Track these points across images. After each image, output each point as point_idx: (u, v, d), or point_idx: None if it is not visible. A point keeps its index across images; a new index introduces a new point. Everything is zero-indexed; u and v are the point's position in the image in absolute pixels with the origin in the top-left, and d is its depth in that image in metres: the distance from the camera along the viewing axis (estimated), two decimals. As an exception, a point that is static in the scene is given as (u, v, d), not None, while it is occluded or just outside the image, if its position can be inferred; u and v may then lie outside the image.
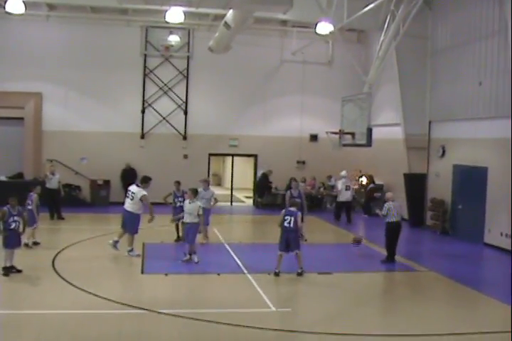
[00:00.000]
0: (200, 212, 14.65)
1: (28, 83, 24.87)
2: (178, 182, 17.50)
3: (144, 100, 26.30)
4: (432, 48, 22.10)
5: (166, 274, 13.52)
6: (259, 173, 27.22)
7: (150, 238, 17.36)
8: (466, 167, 19.83)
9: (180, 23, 22.13)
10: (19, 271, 13.04)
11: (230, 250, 16.64)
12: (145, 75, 26.28)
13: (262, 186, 26.86)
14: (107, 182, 25.41)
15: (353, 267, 15.36)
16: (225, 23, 19.73)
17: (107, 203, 24.98)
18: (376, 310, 11.90)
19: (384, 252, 15.92)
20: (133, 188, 15.51)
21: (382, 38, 19.46)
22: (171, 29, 25.81)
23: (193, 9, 21.07)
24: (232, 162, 28.58)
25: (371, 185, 24.96)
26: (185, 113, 26.62)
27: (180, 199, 16.95)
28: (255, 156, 27.76)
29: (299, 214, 13.86)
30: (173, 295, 12.35)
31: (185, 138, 26.65)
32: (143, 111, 26.30)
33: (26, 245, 15.63)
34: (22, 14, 20.99)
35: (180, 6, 19.62)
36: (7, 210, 12.84)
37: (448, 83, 21.03)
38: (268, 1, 17.57)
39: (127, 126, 26.11)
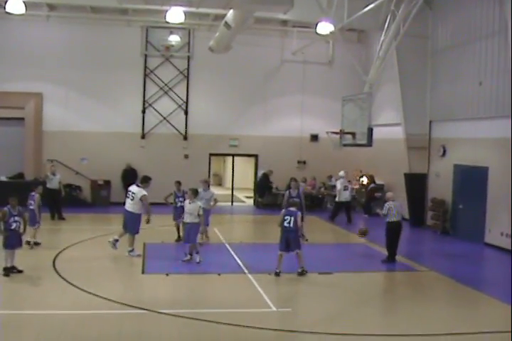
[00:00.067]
0: (201, 212, 14.65)
1: (28, 83, 24.88)
2: (178, 183, 17.52)
3: (144, 100, 26.30)
4: (433, 48, 22.10)
5: (167, 274, 13.52)
6: (260, 173, 27.22)
7: (151, 238, 17.37)
8: (467, 167, 19.83)
9: (181, 23, 22.14)
10: (20, 272, 13.05)
11: (230, 250, 16.64)
12: (145, 75, 26.29)
13: (263, 186, 26.86)
14: (107, 183, 25.42)
15: (353, 267, 15.36)
16: (226, 23, 19.73)
17: (108, 203, 24.99)
18: (377, 310, 11.90)
19: (385, 252, 15.92)
20: (133, 188, 15.51)
21: (382, 38, 19.46)
22: (172, 29, 25.81)
23: (193, 9, 21.08)
24: (233, 162, 28.59)
25: (372, 185, 24.90)
26: (186, 113, 26.63)
27: (181, 199, 16.97)
28: (256, 156, 27.76)
29: (299, 214, 13.87)
30: (174, 295, 12.36)
31: (185, 138, 26.65)
32: (143, 111, 26.31)
33: (28, 243, 15.68)
34: (22, 14, 21.01)
35: (181, 6, 19.63)
36: (7, 210, 12.84)
37: (448, 83, 21.03)
38: (268, 1, 17.56)
39: (128, 126, 26.12)
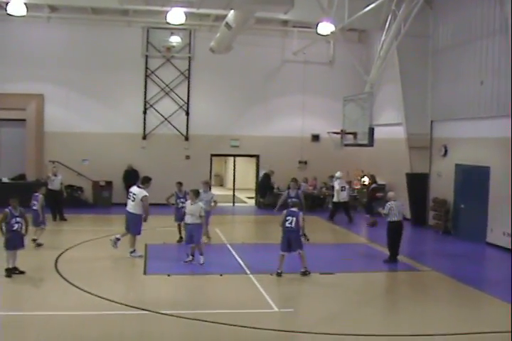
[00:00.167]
0: (202, 213, 14.63)
1: (29, 85, 24.91)
2: (180, 183, 17.53)
3: (145, 101, 26.31)
4: (433, 47, 22.08)
5: (169, 275, 13.52)
6: (261, 174, 27.22)
7: (152, 239, 17.36)
8: (468, 166, 19.81)
9: (182, 24, 22.09)
10: (22, 273, 13.05)
11: (232, 250, 16.64)
12: (146, 76, 26.31)
13: (264, 186, 26.85)
14: (109, 183, 25.43)
15: (355, 267, 15.37)
16: (226, 23, 19.74)
17: (110, 204, 25.01)
18: (378, 310, 11.89)
19: (386, 252, 15.91)
20: (134, 189, 15.51)
21: (383, 38, 19.46)
22: (172, 30, 25.81)
23: (194, 10, 21.05)
24: (234, 162, 28.59)
25: (373, 185, 24.85)
26: (187, 113, 26.64)
27: (182, 200, 16.97)
28: (257, 157, 27.77)
29: (301, 214, 13.87)
30: (176, 295, 12.36)
31: (187, 138, 26.67)
32: (144, 112, 26.32)
33: (34, 240, 15.94)
34: (23, 16, 21.02)
35: (182, 6, 19.62)
36: (9, 211, 12.85)
37: (449, 82, 21.01)
38: (269, 2, 17.57)
39: (129, 127, 26.14)
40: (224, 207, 26.13)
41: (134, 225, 15.37)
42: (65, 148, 25.35)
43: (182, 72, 26.51)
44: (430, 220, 21.97)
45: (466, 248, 18.45)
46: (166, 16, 20.29)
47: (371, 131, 18.80)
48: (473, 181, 19.58)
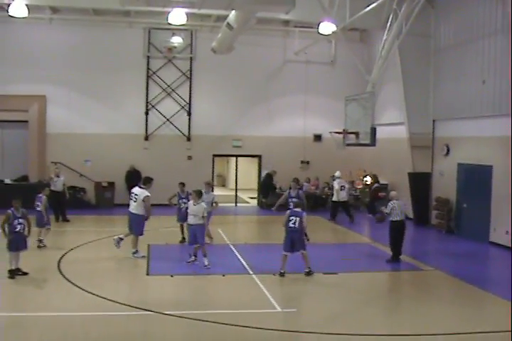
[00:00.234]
0: (205, 214, 14.61)
1: (31, 86, 24.93)
2: (182, 184, 17.51)
3: (147, 102, 26.33)
4: (435, 47, 22.06)
5: (171, 275, 13.53)
6: (264, 174, 27.22)
7: (155, 239, 17.37)
8: (471, 165, 19.79)
9: (183, 25, 22.12)
10: (25, 274, 13.06)
11: (235, 251, 16.65)
12: (148, 77, 26.32)
13: (267, 186, 26.84)
14: (111, 184, 25.45)
15: (358, 267, 15.33)
16: (228, 23, 19.75)
17: (112, 205, 25.04)
18: (382, 310, 11.87)
19: (389, 251, 15.90)
20: (136, 190, 15.52)
21: (385, 37, 19.47)
22: (174, 30, 25.81)
23: (195, 10, 21.10)
24: (236, 163, 28.59)
25: (375, 185, 24.91)
26: (189, 114, 26.65)
27: (184, 200, 16.94)
28: (259, 157, 27.77)
29: (305, 214, 13.88)
30: (179, 296, 12.36)
31: (189, 139, 26.68)
32: (146, 113, 26.34)
33: (40, 241, 16.13)
34: (25, 17, 21.05)
35: (183, 7, 19.65)
36: (11, 213, 12.86)
37: (451, 82, 20.99)
38: (270, 2, 17.58)
39: (131, 128, 26.15)
40: (226, 208, 26.16)
41: (136, 226, 15.38)
42: (68, 149, 25.38)
43: (184, 72, 26.53)
44: (433, 219, 21.95)
45: (469, 247, 18.43)
46: (167, 17, 20.36)
47: (373, 130, 18.81)
48: (476, 180, 19.56)
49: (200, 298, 12.37)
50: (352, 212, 23.27)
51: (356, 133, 19.93)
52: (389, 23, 19.39)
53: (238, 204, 28.08)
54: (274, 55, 27.03)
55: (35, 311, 10.76)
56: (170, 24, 21.64)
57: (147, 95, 26.32)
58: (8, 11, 20.47)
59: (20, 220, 12.92)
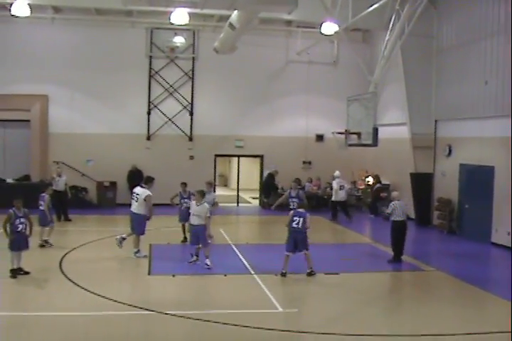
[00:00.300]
0: (208, 214, 14.58)
1: (33, 85, 24.93)
2: (184, 184, 17.50)
3: (149, 101, 26.34)
4: (438, 47, 22.05)
5: (173, 275, 13.54)
6: (266, 174, 27.22)
7: (156, 239, 17.39)
8: (473, 166, 19.78)
9: (185, 24, 22.12)
10: (27, 273, 13.07)
11: (236, 251, 16.65)
12: (150, 77, 26.33)
13: (269, 187, 26.84)
14: (113, 184, 25.46)
15: (359, 267, 15.33)
16: (230, 23, 19.75)
17: (114, 205, 25.04)
18: (383, 310, 11.86)
19: (390, 252, 15.89)
20: (137, 190, 15.54)
21: (387, 38, 19.45)
22: (176, 30, 25.81)
23: (197, 10, 21.07)
24: (238, 163, 28.59)
25: (377, 185, 24.91)
26: (191, 114, 26.66)
27: (186, 200, 16.95)
28: (261, 157, 27.76)
29: (308, 215, 13.88)
30: (180, 296, 12.36)
31: (191, 139, 26.68)
32: (148, 113, 26.35)
33: (46, 242, 16.26)
34: (27, 17, 21.08)
35: (185, 7, 19.65)
36: (13, 212, 12.87)
37: (454, 82, 20.98)
38: (273, 2, 17.58)
39: (133, 128, 26.16)
40: (228, 207, 26.16)
41: (137, 225, 15.39)
42: (69, 149, 25.39)
43: (186, 72, 26.53)
44: (435, 220, 21.94)
45: (471, 248, 18.42)
46: (169, 17, 20.36)
47: (375, 131, 18.79)
48: (478, 181, 19.54)
49: (201, 297, 12.38)
50: (350, 212, 23.29)
51: (358, 134, 19.92)
52: (391, 24, 19.38)
53: (240, 204, 28.08)
54: (276, 55, 27.03)
55: (36, 311, 10.77)
56: (172, 24, 21.65)
57: (149, 95, 26.33)
58: (10, 11, 20.47)
59: (22, 220, 12.93)
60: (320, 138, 27.48)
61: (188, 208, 15.69)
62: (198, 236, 14.44)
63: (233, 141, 27.08)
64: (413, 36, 20.07)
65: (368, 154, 25.60)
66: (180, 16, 20.01)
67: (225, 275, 13.68)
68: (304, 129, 27.38)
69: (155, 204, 15.52)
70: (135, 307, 10.98)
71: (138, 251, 15.35)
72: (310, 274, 13.76)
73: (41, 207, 16.23)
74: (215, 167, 27.28)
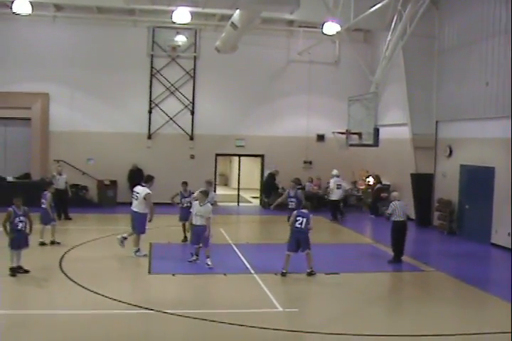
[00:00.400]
0: (211, 215, 14.55)
1: (34, 84, 24.94)
2: (185, 183, 17.50)
3: (150, 100, 26.34)
4: (439, 48, 22.04)
5: (173, 274, 13.53)
6: (266, 173, 27.22)
7: (157, 238, 17.38)
8: (473, 167, 19.78)
9: (187, 24, 22.13)
10: (26, 271, 13.06)
11: (237, 250, 16.64)
12: (152, 75, 26.33)
13: (269, 186, 26.84)
14: (114, 183, 25.45)
15: (360, 267, 15.34)
16: (232, 23, 19.74)
17: (114, 203, 25.02)
18: (383, 311, 11.88)
19: (391, 252, 15.89)
20: (137, 188, 15.55)
21: (389, 38, 19.44)
22: (178, 29, 25.83)
23: (199, 9, 21.05)
24: (239, 162, 28.59)
25: (378, 185, 24.91)
26: (192, 113, 26.66)
27: (187, 199, 16.94)
28: (262, 156, 27.76)
29: (311, 216, 13.90)
30: (180, 295, 12.36)
31: (192, 138, 26.68)
32: (150, 112, 26.35)
33: (53, 242, 16.33)
34: (29, 15, 21.06)
35: (187, 6, 19.61)
36: (12, 211, 12.86)
37: (455, 83, 20.98)
38: (275, 1, 17.56)
39: (134, 127, 26.16)
40: (229, 207, 26.18)
41: (138, 224, 15.38)
42: (70, 147, 25.40)
43: (187, 71, 26.53)
44: (435, 221, 21.94)
45: (471, 248, 18.42)
46: (171, 16, 20.28)
47: (376, 131, 18.79)
48: (478, 182, 19.54)
49: (201, 297, 12.39)
50: (344, 212, 23.42)
51: (359, 134, 19.92)
52: (393, 24, 19.37)
53: (240, 204, 28.09)
54: (277, 55, 27.02)
55: (36, 309, 10.78)
56: (174, 23, 21.60)
57: (150, 94, 26.33)
58: (11, 8, 20.45)
59: (22, 218, 12.92)
60: (321, 138, 27.47)
61: (189, 207, 15.71)
62: (200, 236, 14.43)
63: (234, 140, 27.07)
64: (415, 37, 20.05)
65: (368, 154, 25.58)
66: (182, 15, 19.97)
67: (225, 275, 13.68)
68: (305, 129, 27.39)
69: (156, 203, 15.51)
70: (135, 306, 10.97)
71: (138, 250, 15.34)
72: (310, 274, 13.77)
73: (43, 206, 16.28)
74: (215, 166, 27.28)
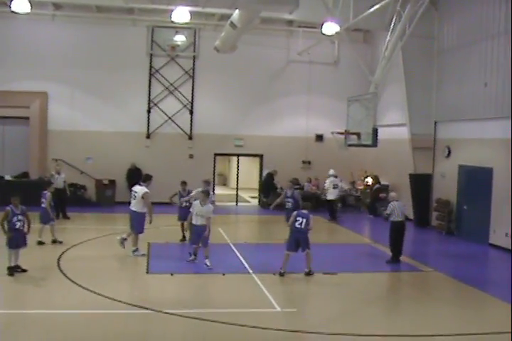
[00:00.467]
0: (212, 215, 14.53)
1: (33, 82, 24.90)
2: (184, 183, 17.46)
3: (149, 100, 26.32)
4: (438, 48, 22.05)
5: (172, 274, 13.51)
6: (265, 173, 27.21)
7: (155, 238, 17.37)
8: (472, 167, 19.78)
9: (186, 23, 22.11)
10: (24, 271, 13.05)
11: (235, 250, 16.63)
12: (151, 75, 26.31)
13: (268, 186, 26.83)
14: (112, 182, 25.43)
15: (358, 267, 15.35)
16: (231, 22, 19.73)
17: (113, 203, 25.01)
18: (381, 311, 11.88)
19: (389, 252, 15.89)
20: (136, 188, 15.53)
21: (388, 38, 19.43)
22: (177, 29, 25.80)
23: (199, 9, 21.10)
24: (238, 162, 28.57)
25: (377, 186, 24.92)
26: (191, 113, 26.64)
27: (185, 199, 16.91)
28: (261, 156, 27.75)
29: (311, 216, 13.90)
30: (179, 295, 12.34)
31: (190, 138, 26.66)
32: (148, 111, 26.32)
33: (54, 241, 16.34)
34: (28, 13, 21.00)
35: (187, 5, 19.61)
36: (10, 210, 12.84)
37: (454, 83, 20.98)
38: (274, 1, 17.57)
39: (133, 126, 26.14)
40: (227, 207, 26.16)
41: (136, 223, 15.37)
42: (69, 147, 25.36)
43: (186, 71, 26.51)
44: (433, 221, 21.95)
45: (469, 249, 18.44)
46: (170, 15, 20.26)
47: (375, 131, 18.78)
48: (477, 182, 19.55)
49: (199, 296, 12.37)
50: (337, 213, 23.39)
51: (358, 134, 19.91)
52: (392, 24, 19.37)
53: (239, 204, 28.07)
54: (277, 55, 27.00)
55: (34, 309, 10.78)
56: (173, 22, 21.54)
57: (149, 93, 26.31)
58: (10, 7, 20.40)
59: (20, 217, 12.90)
60: (320, 138, 27.46)
61: (187, 207, 15.69)
62: (200, 236, 14.41)
63: (233, 140, 27.06)
64: (414, 37, 20.05)
65: (367, 154, 25.58)
66: (181, 15, 19.93)
67: (224, 275, 13.66)
68: (304, 129, 27.37)
69: (154, 203, 15.51)
70: (133, 305, 10.97)
71: (136, 250, 15.33)
72: (308, 274, 13.77)
73: (43, 205, 16.28)
74: (214, 166, 27.26)
